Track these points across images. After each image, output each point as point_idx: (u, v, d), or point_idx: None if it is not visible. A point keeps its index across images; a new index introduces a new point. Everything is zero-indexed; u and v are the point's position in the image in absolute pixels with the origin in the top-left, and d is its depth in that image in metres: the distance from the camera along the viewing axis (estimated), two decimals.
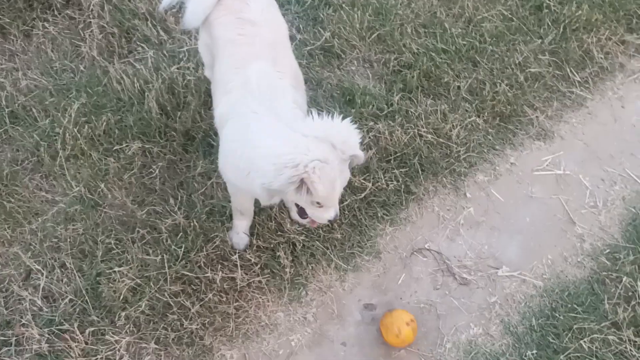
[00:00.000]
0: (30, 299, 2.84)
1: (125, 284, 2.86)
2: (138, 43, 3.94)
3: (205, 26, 2.99)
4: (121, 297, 2.85)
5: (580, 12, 4.29)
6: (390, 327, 2.86)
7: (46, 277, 2.93)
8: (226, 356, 2.86)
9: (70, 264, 2.95)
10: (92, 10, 4.03)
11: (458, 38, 4.12)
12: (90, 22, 4.00)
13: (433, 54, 4.01)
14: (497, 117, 3.82)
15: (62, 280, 2.92)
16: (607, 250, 3.32)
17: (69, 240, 3.03)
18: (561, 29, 4.23)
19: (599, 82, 4.17)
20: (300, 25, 4.14)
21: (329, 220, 2.58)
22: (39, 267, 2.94)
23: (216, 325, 2.88)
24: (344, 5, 4.23)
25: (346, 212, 3.29)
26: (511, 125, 3.83)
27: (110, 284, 2.88)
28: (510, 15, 4.29)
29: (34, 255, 2.99)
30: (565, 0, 4.37)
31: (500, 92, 3.87)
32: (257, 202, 3.04)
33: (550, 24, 4.27)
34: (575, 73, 4.12)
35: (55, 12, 4.08)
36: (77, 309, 2.84)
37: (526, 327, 3.04)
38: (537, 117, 3.88)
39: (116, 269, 2.90)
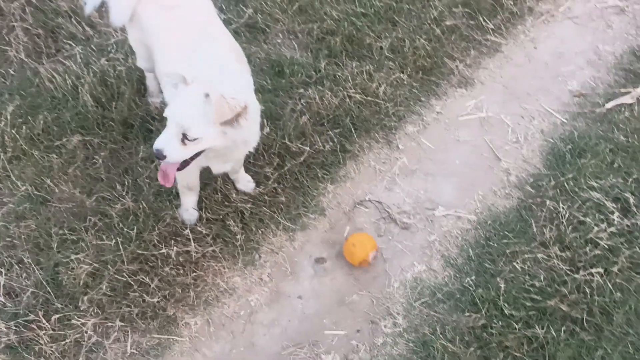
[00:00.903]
0: None
1: (84, 270, 2.97)
2: (65, 41, 3.99)
3: (133, 21, 3.08)
4: (82, 283, 2.97)
5: None
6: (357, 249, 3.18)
7: (5, 274, 3.01)
8: (190, 323, 3.01)
9: (27, 259, 3.04)
10: (13, 14, 4.05)
11: (375, 0, 4.32)
12: (14, 25, 4.02)
13: (354, 19, 4.21)
14: (419, 71, 4.05)
15: (21, 276, 3.01)
16: (531, 180, 3.60)
17: (22, 237, 3.11)
18: None
19: (511, 27, 4.46)
20: (223, 5, 4.26)
21: (154, 153, 2.57)
22: None
23: (177, 297, 3.03)
24: None
25: (288, 176, 3.47)
26: (434, 77, 4.06)
27: (69, 272, 2.99)
28: None
29: None
30: None
31: (420, 47, 4.10)
32: (203, 176, 3.18)
33: None
34: (488, 21, 4.39)
35: None
36: (40, 300, 2.94)
37: (464, 258, 3.30)
38: (457, 66, 4.13)
39: (73, 256, 3.01)
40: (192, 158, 2.69)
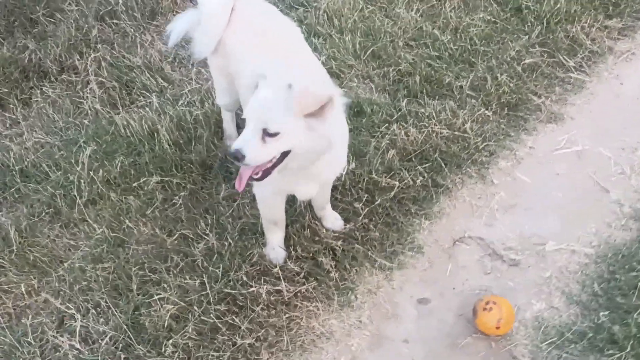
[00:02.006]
0: (68, 344, 2.63)
1: (168, 310, 2.68)
2: (139, 93, 3.93)
3: (217, 50, 2.99)
4: (165, 326, 2.67)
5: (558, 5, 4.45)
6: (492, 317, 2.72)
7: (81, 320, 2.73)
8: None
9: (105, 302, 2.77)
10: (88, 70, 4.05)
11: (449, 44, 4.21)
12: (89, 80, 4.00)
13: (429, 61, 4.08)
14: (504, 107, 3.84)
15: (98, 321, 2.73)
16: None
17: (100, 279, 2.86)
18: (544, 23, 4.37)
19: (593, 65, 4.26)
20: None
21: (232, 154, 2.30)
22: (72, 311, 2.75)
23: (270, 341, 2.69)
24: (332, 34, 4.34)
25: (379, 211, 3.20)
26: (520, 113, 3.85)
27: (151, 315, 2.70)
28: (493, 19, 4.43)
29: (65, 301, 2.81)
30: None
31: (503, 83, 3.92)
32: (289, 213, 2.94)
33: (533, 20, 4.41)
34: (568, 59, 4.21)
35: (52, 79, 4.09)
36: (120, 346, 2.63)
37: (589, 294, 2.91)
38: (543, 102, 3.92)
39: (156, 297, 2.73)
40: (274, 166, 2.40)
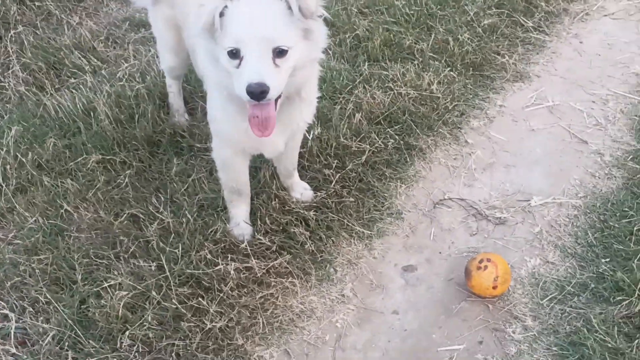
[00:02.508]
0: (2, 349, 2.19)
1: (120, 299, 2.27)
2: (70, 74, 3.51)
3: None
4: (119, 317, 2.26)
5: None
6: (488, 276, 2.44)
7: (16, 320, 2.29)
8: (264, 356, 2.29)
9: (44, 297, 2.34)
10: (9, 52, 3.59)
11: (404, 9, 4.00)
12: (10, 63, 3.54)
13: (386, 26, 3.85)
14: (469, 67, 3.65)
15: (37, 319, 2.29)
16: (630, 156, 3.10)
17: (36, 273, 2.42)
18: None
19: (551, 25, 4.15)
20: None
21: (252, 91, 1.90)
22: (5, 311, 2.31)
23: (243, 324, 2.33)
24: None
25: (352, 176, 2.90)
26: (486, 72, 3.67)
27: (101, 307, 2.29)
28: None
29: None
30: None
31: (465, 43, 3.72)
32: (252, 183, 2.61)
33: None
34: (526, 20, 4.08)
35: None
36: (67, 344, 2.21)
37: (584, 246, 2.69)
38: (507, 61, 3.75)
39: (105, 284, 2.32)
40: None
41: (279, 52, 1.94)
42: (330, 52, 3.68)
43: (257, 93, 1.91)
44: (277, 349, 2.32)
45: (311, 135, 2.97)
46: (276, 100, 2.04)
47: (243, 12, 1.97)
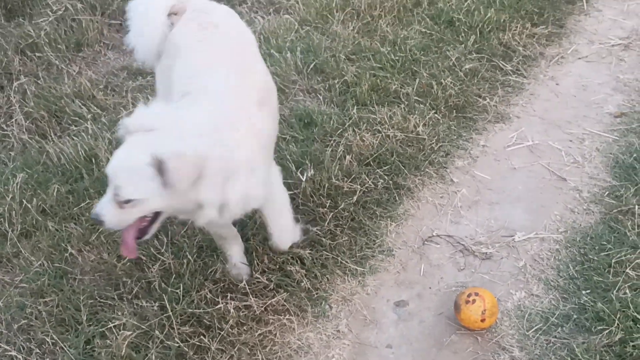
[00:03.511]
0: None
1: (125, 339, 2.37)
2: (70, 121, 3.65)
3: (159, 53, 2.78)
4: (124, 357, 2.35)
5: (488, 15, 4.58)
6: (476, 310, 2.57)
7: None
8: None
9: (50, 338, 2.43)
10: (12, 102, 3.74)
11: (390, 55, 4.21)
12: (12, 112, 3.68)
13: (373, 72, 4.05)
14: (452, 110, 3.84)
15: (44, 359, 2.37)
16: (607, 192, 3.27)
17: (43, 315, 2.52)
18: (478, 33, 4.46)
19: (528, 68, 4.38)
20: None
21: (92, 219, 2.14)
22: (13, 353, 2.39)
23: None
24: (272, 52, 4.24)
25: (345, 215, 3.04)
26: (469, 114, 3.85)
27: (107, 347, 2.38)
28: (428, 32, 4.49)
29: (2, 342, 2.44)
30: (471, 10, 4.68)
31: (448, 87, 3.93)
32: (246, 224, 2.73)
33: (466, 30, 4.50)
34: (505, 64, 4.30)
35: None
36: None
37: (566, 278, 2.83)
38: (488, 103, 3.95)
39: (110, 325, 2.41)
40: (152, 222, 2.17)
41: (125, 201, 2.05)
42: (321, 97, 3.87)
43: (95, 222, 2.12)
44: None
45: (305, 177, 3.12)
46: (153, 221, 2.16)
47: (117, 151, 2.13)
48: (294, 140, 3.48)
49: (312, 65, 4.10)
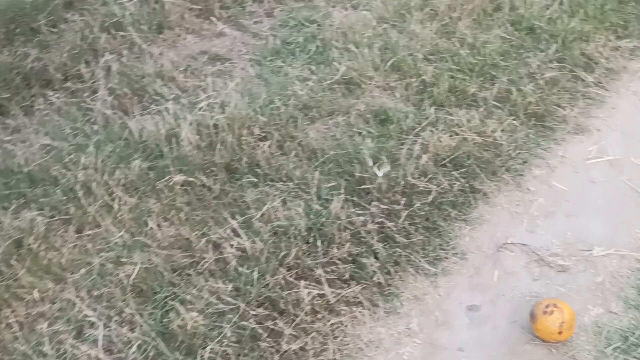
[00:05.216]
0: (90, 354, 2.33)
1: (201, 312, 2.40)
2: (151, 100, 3.74)
3: None
4: (200, 333, 2.38)
5: (571, 25, 4.46)
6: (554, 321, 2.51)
7: (104, 327, 2.43)
8: None
9: (129, 308, 2.48)
10: (97, 78, 3.84)
11: (468, 58, 4.15)
12: (96, 88, 3.79)
13: (451, 74, 4.00)
14: (531, 117, 3.75)
15: (122, 327, 2.43)
16: None
17: (122, 285, 2.58)
18: (560, 41, 4.36)
19: (610, 81, 4.24)
20: (313, 67, 4.09)
21: None
22: (93, 319, 2.46)
23: (315, 349, 2.43)
24: (349, 47, 4.24)
25: (420, 214, 3.02)
26: (548, 123, 3.76)
27: (182, 321, 2.42)
28: (508, 37, 4.41)
29: (84, 308, 2.51)
30: (553, 19, 4.57)
31: (528, 94, 3.85)
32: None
33: (548, 38, 4.40)
34: (587, 75, 4.18)
35: (56, 86, 3.86)
36: (150, 354, 2.34)
37: None
38: (568, 114, 3.84)
39: (187, 297, 2.45)
40: None
41: None
42: (397, 95, 3.84)
43: None
44: None
45: (381, 172, 3.10)
46: None
47: None
48: (370, 136, 3.47)
49: (389, 63, 4.07)
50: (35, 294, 2.53)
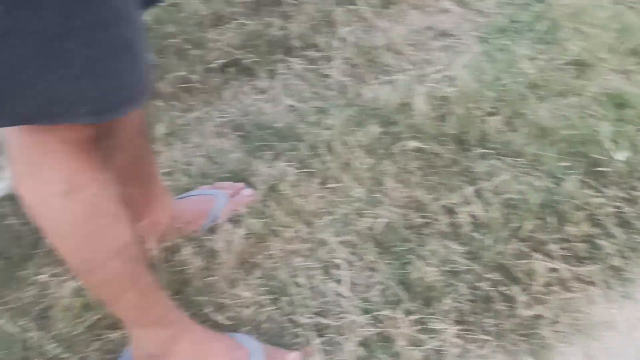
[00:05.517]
0: (336, 290, 2.60)
1: (438, 267, 2.57)
2: (380, 71, 3.95)
3: None
4: (435, 287, 2.55)
5: None
6: None
7: (348, 269, 2.69)
8: (565, 353, 2.41)
9: (370, 256, 2.72)
10: (332, 47, 4.15)
11: None
12: (331, 57, 4.09)
13: None
14: None
15: (364, 272, 2.67)
16: None
17: (362, 234, 2.82)
18: None
19: None
20: (541, 47, 4.03)
21: None
22: (339, 261, 2.73)
23: (550, 319, 2.48)
24: (581, 28, 4.10)
25: None
26: None
27: (420, 272, 2.60)
28: None
29: (331, 250, 2.79)
30: None
31: None
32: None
33: None
34: None
35: (295, 54, 4.23)
36: (390, 299, 2.55)
37: None
38: None
39: (424, 250, 2.63)
40: None
41: None
42: (634, 79, 3.66)
43: None
44: (579, 349, 2.43)
45: (623, 157, 3.01)
46: None
47: None
48: (605, 119, 3.37)
49: (627, 46, 3.88)
50: (290, 233, 2.86)
